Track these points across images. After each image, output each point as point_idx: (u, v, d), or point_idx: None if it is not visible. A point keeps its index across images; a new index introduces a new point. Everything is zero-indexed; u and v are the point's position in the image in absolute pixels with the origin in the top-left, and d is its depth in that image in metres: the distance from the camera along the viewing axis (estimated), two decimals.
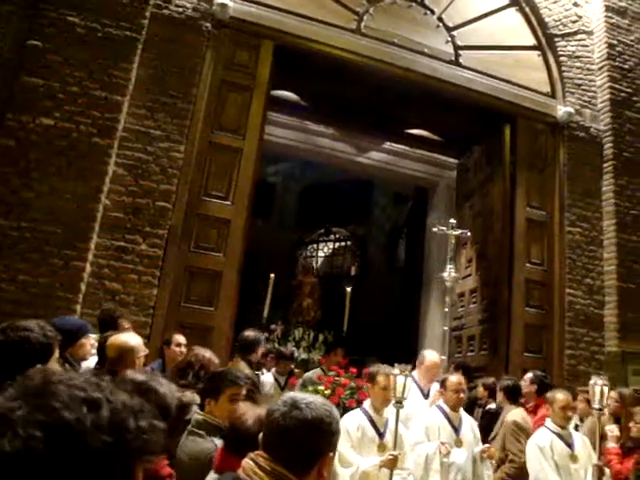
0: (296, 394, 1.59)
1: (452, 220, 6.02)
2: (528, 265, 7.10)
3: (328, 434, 1.53)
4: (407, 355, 8.18)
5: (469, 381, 6.46)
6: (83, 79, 5.18)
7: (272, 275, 8.24)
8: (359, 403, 4.75)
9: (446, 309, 5.93)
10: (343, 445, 3.72)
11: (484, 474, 4.29)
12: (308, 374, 5.94)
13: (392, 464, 3.58)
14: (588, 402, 4.74)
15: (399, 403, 3.78)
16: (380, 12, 6.97)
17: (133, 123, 5.49)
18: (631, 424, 4.27)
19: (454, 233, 5.88)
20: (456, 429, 4.36)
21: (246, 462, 1.54)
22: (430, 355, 5.17)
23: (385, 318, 11.23)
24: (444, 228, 6.09)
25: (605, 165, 7.50)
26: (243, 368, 4.16)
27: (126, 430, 0.79)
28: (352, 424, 3.88)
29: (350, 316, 8.68)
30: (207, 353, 3.57)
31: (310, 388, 5.02)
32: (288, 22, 6.42)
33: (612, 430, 4.50)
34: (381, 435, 3.91)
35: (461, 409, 4.52)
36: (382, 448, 3.83)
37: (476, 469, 4.28)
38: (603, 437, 4.51)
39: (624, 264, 7.11)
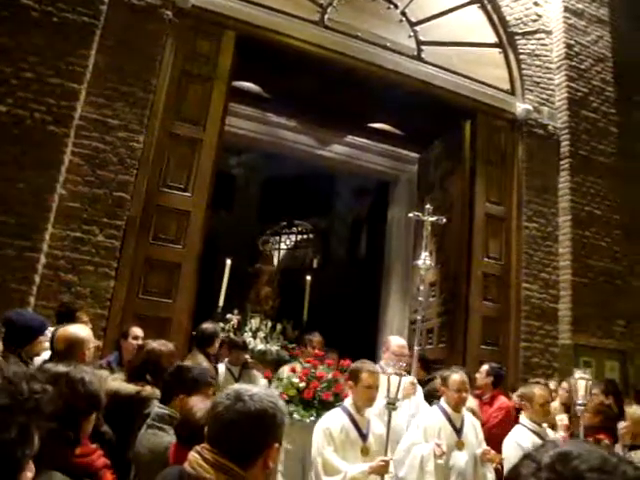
0: (241, 386, 1.60)
1: (428, 206, 5.71)
2: (486, 259, 7.23)
3: (272, 426, 1.55)
4: (367, 347, 8.29)
5: (427, 373, 6.57)
6: (37, 65, 5.03)
7: (228, 261, 7.99)
8: (336, 396, 4.65)
9: (420, 298, 5.52)
10: (326, 450, 3.51)
11: (487, 477, 4.06)
12: (284, 367, 5.67)
13: (383, 470, 3.41)
14: None
15: (392, 405, 3.56)
16: (344, 5, 6.97)
17: (90, 112, 5.36)
18: None
19: (430, 219, 5.61)
20: (457, 430, 4.10)
21: (192, 455, 1.56)
22: (395, 339, 4.99)
23: (346, 311, 11.29)
24: (419, 214, 5.80)
25: (562, 162, 7.68)
26: (201, 361, 4.14)
27: (20, 393, 0.90)
28: (335, 426, 3.61)
29: (311, 309, 8.65)
30: (160, 346, 3.50)
31: (285, 381, 4.86)
32: (251, 12, 6.36)
33: (562, 419, 4.60)
34: (364, 437, 3.66)
35: (463, 409, 4.23)
36: (365, 451, 3.61)
37: (477, 471, 4.05)
38: (554, 427, 4.63)
39: (578, 259, 7.30)
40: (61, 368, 1.89)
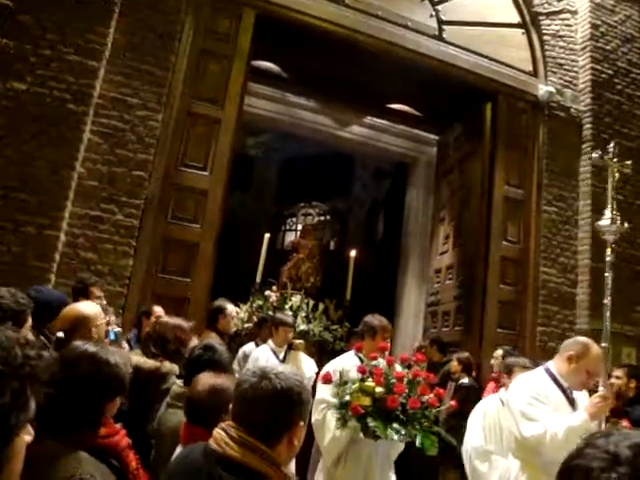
0: (266, 365, 1.62)
1: (612, 145, 4.30)
2: (504, 243, 7.17)
3: (298, 404, 1.56)
4: None
5: (443, 355, 6.60)
6: (56, 42, 5.03)
7: (267, 235, 7.85)
8: (422, 404, 3.59)
9: (607, 273, 3.89)
10: None
11: None
12: (339, 363, 4.11)
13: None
14: None
15: None
16: None
17: (109, 90, 5.36)
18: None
19: (616, 164, 4.17)
20: None
21: (217, 432, 1.57)
22: (595, 346, 3.38)
23: (363, 293, 11.28)
24: (603, 155, 4.40)
25: (583, 146, 7.55)
26: (213, 339, 4.14)
27: (14, 359, 0.92)
28: None
29: (332, 289, 8.52)
30: (167, 319, 3.52)
31: (354, 386, 3.61)
32: None
33: None
34: None
35: None
36: None
37: None
38: None
39: (598, 244, 7.18)
40: (89, 348, 1.84)
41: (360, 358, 3.96)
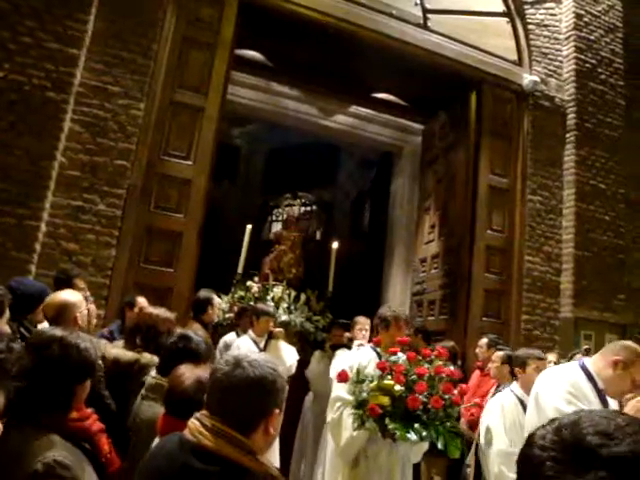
0: (240, 353, 1.60)
1: None
2: (489, 232, 7.19)
3: (273, 392, 1.55)
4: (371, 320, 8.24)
5: (428, 344, 6.62)
6: (36, 29, 4.93)
7: (249, 226, 7.81)
8: (446, 402, 3.34)
9: None
10: None
11: None
12: (356, 359, 3.78)
13: None
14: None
15: None
16: None
17: (90, 78, 5.27)
18: None
19: None
20: None
21: (192, 422, 1.55)
22: None
23: (348, 283, 11.29)
24: None
25: (567, 135, 7.59)
26: (197, 329, 4.12)
27: None
28: None
29: (316, 280, 8.52)
30: (156, 310, 3.49)
31: (372, 384, 3.35)
32: None
33: None
34: None
35: None
36: None
37: None
38: None
39: (581, 233, 7.27)
40: (57, 332, 1.85)
41: (378, 353, 3.73)
